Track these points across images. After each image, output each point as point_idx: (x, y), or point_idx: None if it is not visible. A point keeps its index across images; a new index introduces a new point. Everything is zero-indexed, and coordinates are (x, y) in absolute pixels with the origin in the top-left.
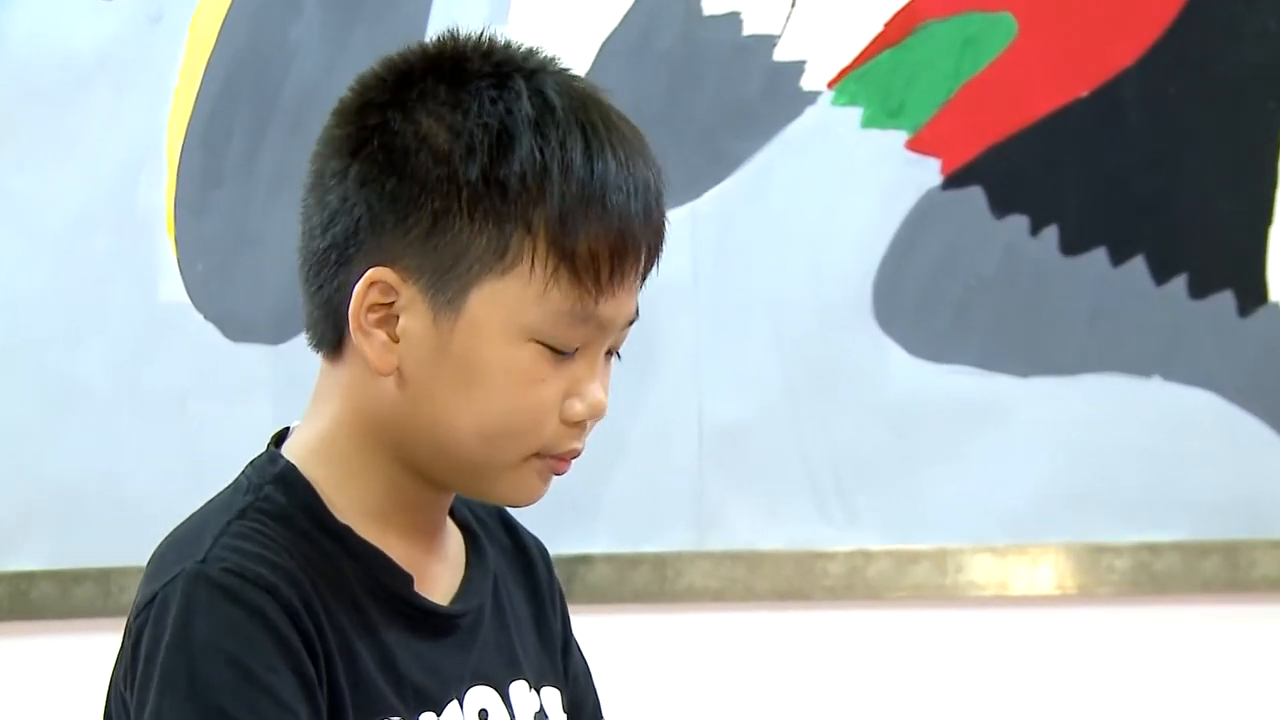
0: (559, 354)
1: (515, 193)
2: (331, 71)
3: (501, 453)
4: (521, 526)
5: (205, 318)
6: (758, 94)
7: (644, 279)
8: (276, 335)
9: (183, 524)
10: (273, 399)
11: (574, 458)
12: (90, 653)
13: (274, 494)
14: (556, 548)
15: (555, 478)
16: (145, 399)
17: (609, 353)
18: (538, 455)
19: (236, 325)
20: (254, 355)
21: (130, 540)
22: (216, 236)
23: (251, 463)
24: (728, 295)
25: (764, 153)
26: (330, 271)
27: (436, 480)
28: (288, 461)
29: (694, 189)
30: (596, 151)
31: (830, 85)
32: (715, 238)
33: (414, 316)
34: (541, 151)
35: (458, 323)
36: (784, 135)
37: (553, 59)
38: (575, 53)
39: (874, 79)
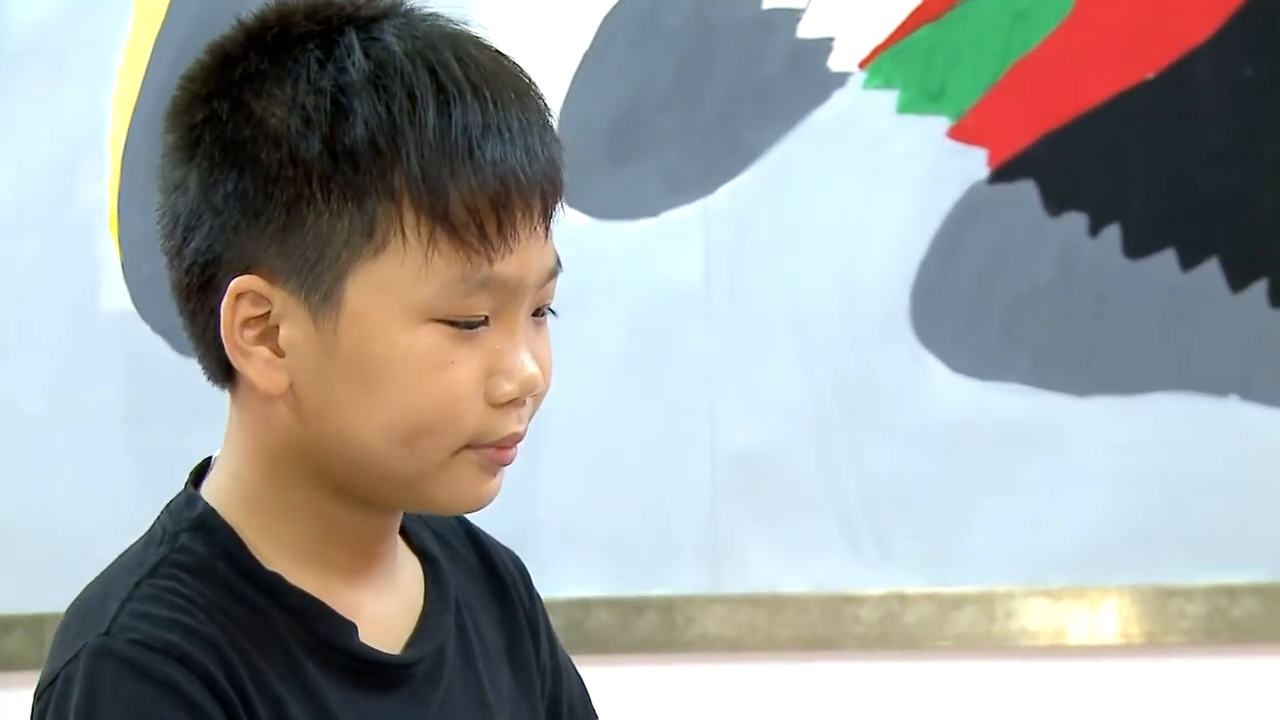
0: (465, 328)
1: (366, 160)
2: None
3: (424, 454)
4: (490, 539)
5: (153, 329)
6: (779, 76)
7: (548, 223)
8: None
9: (92, 583)
10: (223, 420)
11: (515, 443)
12: (22, 710)
13: (191, 544)
14: (549, 591)
15: (504, 469)
16: (83, 422)
17: (537, 314)
18: (469, 447)
19: (186, 338)
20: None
21: (66, 584)
22: None
23: (167, 506)
24: (745, 304)
25: (786, 143)
26: (198, 298)
27: (366, 499)
28: (206, 505)
29: (706, 184)
30: (453, 95)
31: (862, 65)
32: (731, 239)
33: (293, 324)
34: (388, 107)
35: (340, 319)
36: (809, 123)
37: (396, 4)
38: (572, 30)
39: (911, 58)
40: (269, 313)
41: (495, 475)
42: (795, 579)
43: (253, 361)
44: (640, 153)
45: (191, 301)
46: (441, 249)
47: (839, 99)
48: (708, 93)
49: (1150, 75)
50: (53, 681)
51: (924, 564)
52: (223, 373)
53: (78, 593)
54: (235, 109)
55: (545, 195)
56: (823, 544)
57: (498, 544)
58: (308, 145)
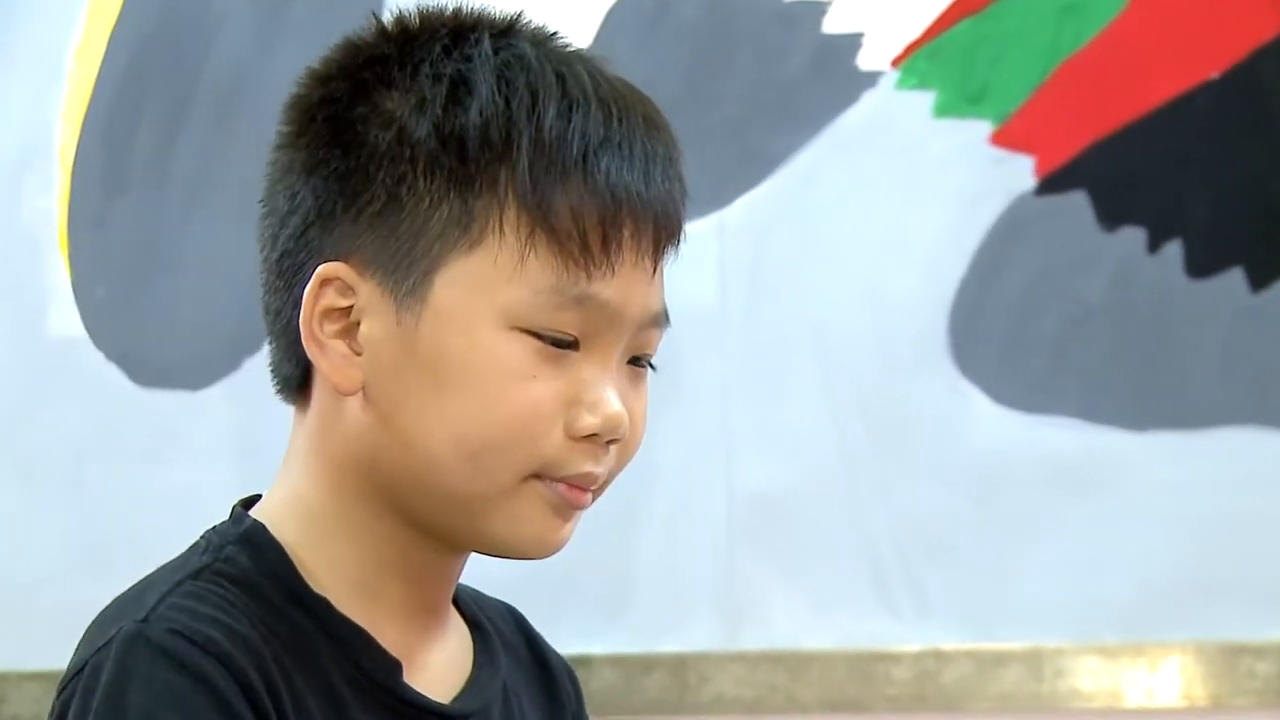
0: (555, 346)
1: (475, 149)
2: (264, 48)
3: (490, 472)
4: (546, 645)
5: (107, 357)
6: (802, 75)
7: (657, 264)
8: (197, 379)
9: (129, 589)
10: (193, 460)
11: (593, 487)
12: None
13: (237, 556)
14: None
15: (578, 517)
16: (30, 460)
17: (636, 361)
18: (539, 478)
19: (146, 367)
20: (169, 405)
21: (13, 639)
22: (121, 255)
23: (213, 527)
24: (763, 328)
25: (809, 150)
26: (284, 289)
27: (425, 526)
28: (255, 521)
29: (722, 195)
30: (577, 101)
31: (894, 64)
32: (749, 256)
33: (376, 318)
34: (507, 100)
35: (423, 315)
36: (835, 128)
37: (533, 22)
38: (574, 23)
39: (950, 56)
40: (352, 307)
41: (566, 520)
42: (820, 634)
43: (328, 354)
44: None
45: (277, 295)
46: (539, 252)
47: (869, 101)
48: (723, 94)
49: (1215, 74)
50: (79, 670)
51: (964, 617)
52: (297, 379)
53: (16, 647)
54: (353, 89)
55: (658, 225)
56: (851, 595)
57: (551, 647)
58: (417, 126)
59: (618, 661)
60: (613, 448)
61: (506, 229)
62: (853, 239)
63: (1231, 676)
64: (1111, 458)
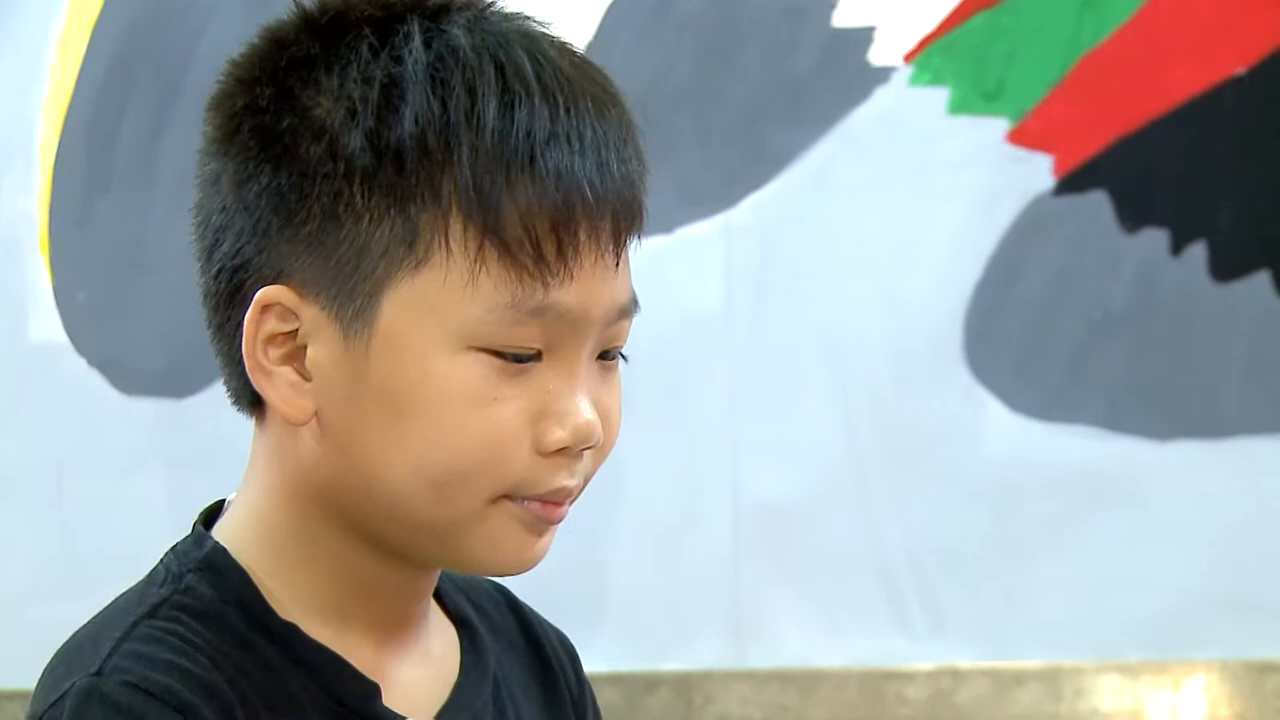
0: (514, 361)
1: (413, 160)
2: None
3: (458, 500)
4: (536, 615)
5: (89, 363)
6: (812, 70)
7: (620, 255)
8: (181, 386)
9: (82, 627)
10: (175, 470)
11: (565, 499)
12: None
13: (198, 585)
14: None
15: (555, 529)
16: (9, 471)
17: (606, 356)
18: (510, 498)
19: (129, 373)
20: (151, 413)
21: None
22: (103, 257)
23: (173, 547)
24: (771, 333)
25: (819, 148)
26: (225, 308)
27: (396, 551)
28: (217, 544)
29: (728, 195)
30: (519, 95)
31: (907, 59)
32: (756, 258)
33: (323, 342)
34: (443, 103)
35: (372, 340)
36: (846, 125)
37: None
38: (574, 16)
39: (965, 51)
40: (297, 330)
41: (541, 534)
42: (831, 652)
43: (275, 383)
44: (652, 160)
45: (219, 313)
46: (490, 267)
47: (881, 98)
48: (729, 90)
49: (1241, 70)
50: None
51: (979, 634)
52: (249, 396)
53: (14, 661)
54: (278, 96)
55: (617, 217)
56: (862, 611)
57: (544, 621)
58: (350, 140)
59: (619, 680)
60: (587, 453)
61: (453, 245)
62: (864, 241)
63: (1258, 696)
64: (1133, 468)
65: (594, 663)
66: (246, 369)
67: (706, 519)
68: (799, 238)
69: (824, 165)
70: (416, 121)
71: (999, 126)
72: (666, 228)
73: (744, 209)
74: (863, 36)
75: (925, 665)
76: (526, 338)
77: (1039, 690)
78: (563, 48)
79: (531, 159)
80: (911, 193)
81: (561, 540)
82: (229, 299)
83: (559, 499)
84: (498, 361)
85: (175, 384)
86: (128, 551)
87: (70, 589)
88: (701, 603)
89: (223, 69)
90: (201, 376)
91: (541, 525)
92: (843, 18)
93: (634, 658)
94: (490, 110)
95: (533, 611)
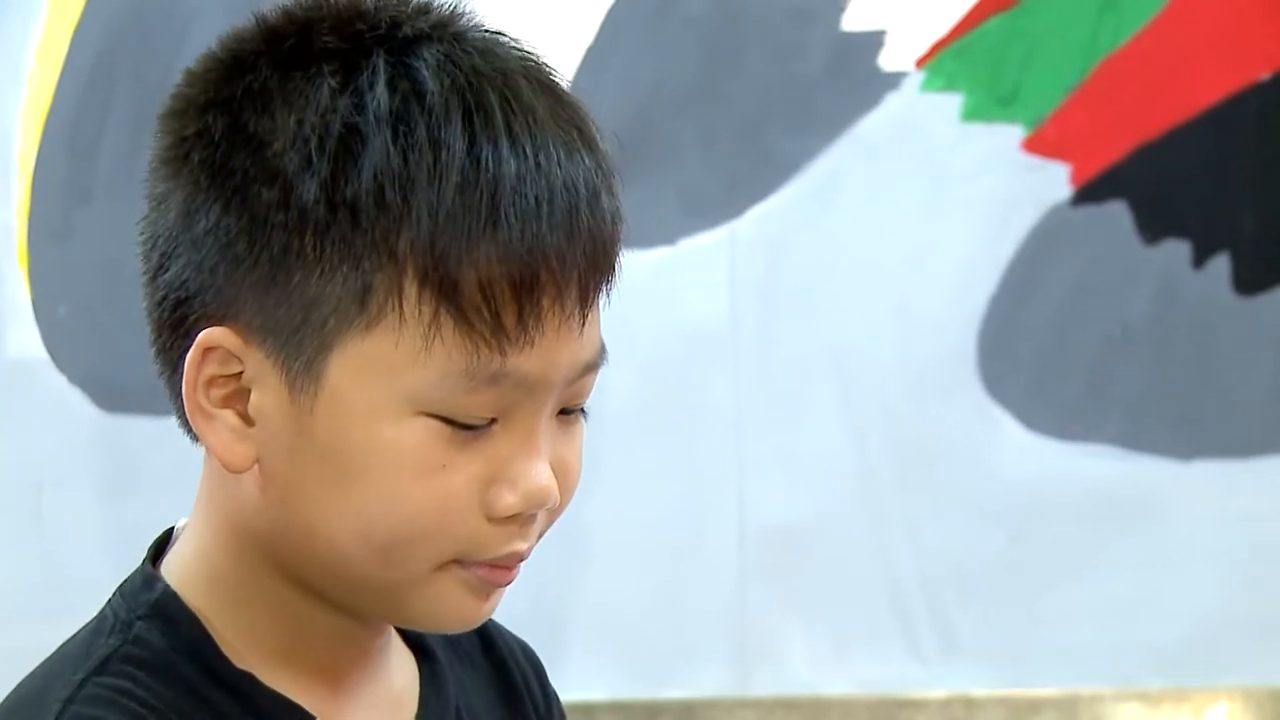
0: (465, 429)
1: (369, 216)
2: None
3: (401, 565)
4: (499, 629)
5: (69, 380)
6: (820, 75)
7: (587, 315)
8: (164, 404)
9: (27, 678)
10: (162, 492)
11: (515, 563)
12: None
13: (147, 634)
14: None
15: (504, 589)
16: None
17: (566, 411)
18: (458, 563)
19: (111, 390)
20: (135, 431)
21: None
22: (84, 270)
23: (120, 587)
24: (779, 348)
25: (828, 156)
26: (168, 334)
27: (338, 605)
28: (166, 587)
29: (733, 204)
30: (485, 145)
31: (919, 64)
32: (762, 270)
33: (267, 390)
34: (405, 155)
35: (319, 397)
36: (856, 132)
37: (449, 19)
38: (574, 18)
39: (979, 55)
40: (241, 373)
41: (488, 597)
42: (840, 678)
43: (215, 428)
44: (653, 167)
45: (162, 337)
46: (445, 335)
47: (891, 104)
48: (734, 95)
49: (1265, 75)
50: None
51: (994, 660)
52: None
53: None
54: (231, 129)
55: (584, 279)
56: (872, 636)
57: (508, 634)
58: (304, 189)
59: (621, 708)
60: (541, 512)
61: (407, 308)
62: (874, 252)
63: None
64: (1154, 489)
65: (595, 690)
66: (186, 410)
67: (711, 540)
68: (806, 249)
69: (832, 174)
70: (375, 175)
71: (1014, 134)
72: (669, 239)
73: (749, 219)
74: (873, 40)
75: (937, 693)
76: (480, 406)
77: (1056, 718)
78: (540, 84)
79: (494, 221)
80: (923, 202)
81: (562, 563)
82: (172, 327)
83: (509, 564)
84: (448, 429)
85: (158, 402)
86: (109, 575)
87: (49, 613)
88: (705, 627)
89: (180, 76)
90: None
91: (489, 588)
92: (852, 20)
93: (636, 685)
94: (454, 165)
95: (496, 625)
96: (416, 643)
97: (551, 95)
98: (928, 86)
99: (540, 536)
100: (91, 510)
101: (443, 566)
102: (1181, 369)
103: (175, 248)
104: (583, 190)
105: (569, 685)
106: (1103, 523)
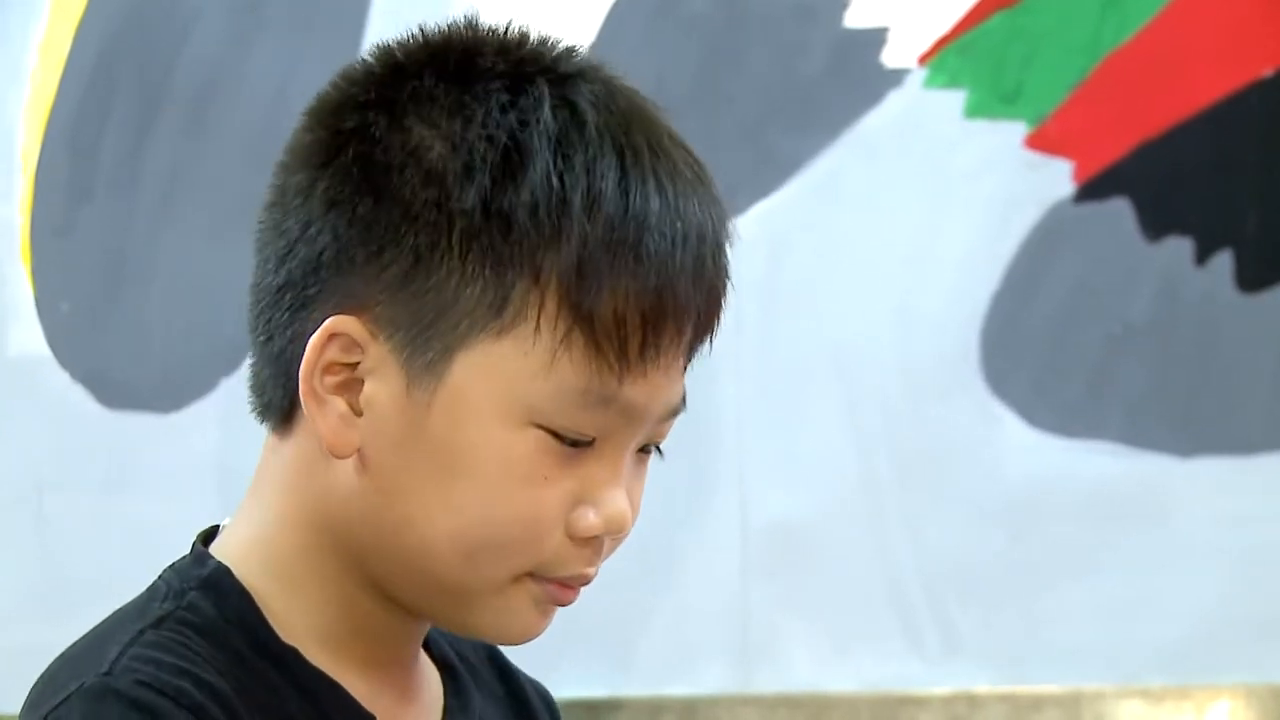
0: (570, 445)
1: (522, 229)
2: (240, 44)
3: (485, 569)
4: (518, 670)
5: (72, 377)
6: (822, 73)
7: (690, 357)
8: (168, 401)
9: (79, 639)
10: (165, 490)
11: (582, 585)
12: None
13: (200, 602)
14: (551, 690)
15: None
16: None
17: (644, 449)
18: (531, 576)
19: (114, 388)
20: (138, 428)
21: None
22: (87, 266)
23: (172, 565)
24: (780, 347)
25: (830, 154)
26: (284, 317)
27: (403, 602)
28: (219, 564)
29: (734, 203)
30: (635, 183)
31: (922, 61)
32: (763, 269)
33: (383, 382)
34: (562, 178)
35: (437, 394)
36: (857, 130)
37: (597, 65)
38: (575, 16)
39: (982, 52)
40: (358, 364)
41: (549, 615)
42: (841, 676)
43: (325, 412)
44: None
45: (274, 320)
46: (574, 352)
47: (894, 101)
48: (735, 93)
49: (1268, 72)
50: None
51: (996, 658)
52: (282, 408)
53: None
54: (393, 128)
55: (700, 321)
56: (875, 634)
57: (525, 675)
58: (462, 193)
59: (623, 706)
60: (608, 541)
61: (543, 322)
62: (876, 250)
63: None
64: (1156, 486)
65: (596, 688)
66: (300, 391)
67: (713, 539)
68: (808, 247)
69: (834, 172)
70: (533, 192)
71: (1017, 131)
72: None
73: (751, 218)
74: (875, 37)
75: (940, 690)
76: (587, 424)
77: (1058, 716)
78: (674, 138)
79: (637, 255)
80: (926, 200)
81: None
82: (291, 309)
83: (576, 584)
84: (554, 442)
85: (162, 399)
86: (111, 575)
87: (51, 614)
88: (708, 625)
89: (335, 79)
90: (190, 391)
91: (552, 606)
92: (854, 18)
93: (637, 683)
94: (606, 197)
95: (515, 667)
96: (441, 660)
97: (686, 151)
98: (930, 84)
99: (600, 563)
100: (93, 508)
101: (518, 579)
102: (1184, 366)
103: (312, 235)
104: (710, 238)
105: (573, 684)
106: (1105, 520)
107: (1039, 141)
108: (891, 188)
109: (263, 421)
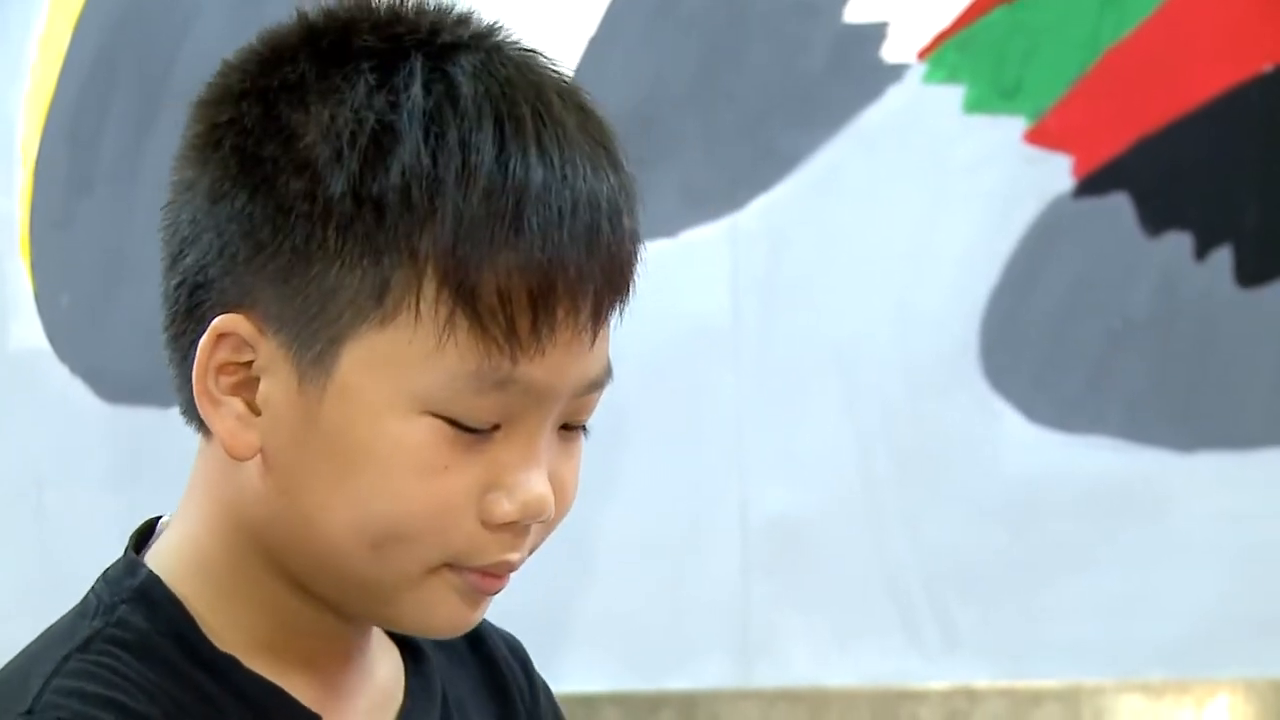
0: (469, 431)
1: (395, 213)
2: (240, 36)
3: (394, 563)
4: (485, 625)
5: (71, 371)
6: (822, 68)
7: (597, 327)
8: (167, 395)
9: (9, 662)
10: (166, 485)
11: (507, 572)
12: None
13: (131, 617)
14: (551, 684)
15: (491, 597)
16: None
17: (568, 427)
18: (450, 567)
19: (113, 382)
20: (138, 423)
21: None
22: (87, 259)
23: (104, 573)
24: (780, 343)
25: (830, 148)
26: (182, 320)
27: (327, 601)
28: (150, 573)
29: (735, 197)
30: (515, 153)
31: (922, 56)
32: (763, 264)
33: (276, 379)
34: (434, 156)
35: (328, 388)
36: (858, 124)
37: (488, 31)
38: (576, 11)
39: (981, 47)
40: (252, 362)
41: (477, 605)
42: (841, 671)
43: (222, 414)
44: (655, 160)
45: (176, 324)
46: (459, 336)
47: (894, 96)
48: (736, 88)
49: (1268, 68)
50: None
51: (996, 653)
52: (198, 414)
53: None
54: (265, 118)
55: (600, 294)
56: (874, 629)
57: (493, 629)
58: (332, 181)
59: (622, 700)
60: (535, 526)
61: (423, 307)
62: (876, 245)
63: None
64: (1156, 481)
65: (596, 682)
66: (195, 395)
67: (713, 534)
68: (808, 242)
69: (834, 167)
70: (403, 173)
71: (1016, 126)
72: (670, 231)
73: (751, 212)
74: (875, 32)
75: (939, 685)
76: (486, 410)
77: (1057, 711)
78: (571, 101)
79: (517, 228)
80: (925, 195)
81: (564, 556)
82: (187, 314)
83: (500, 572)
84: (452, 430)
85: (161, 393)
86: None
87: (51, 609)
88: (707, 620)
89: (219, 67)
90: None
91: (478, 596)
92: (854, 13)
93: (637, 677)
94: (482, 168)
95: (484, 625)
96: (401, 637)
97: (582, 113)
98: (930, 79)
99: (532, 550)
100: (94, 502)
101: (434, 570)
102: (1183, 361)
103: (199, 232)
104: (605, 206)
105: (572, 678)
106: (1104, 515)
107: (1038, 136)
108: (891, 183)
109: (190, 424)
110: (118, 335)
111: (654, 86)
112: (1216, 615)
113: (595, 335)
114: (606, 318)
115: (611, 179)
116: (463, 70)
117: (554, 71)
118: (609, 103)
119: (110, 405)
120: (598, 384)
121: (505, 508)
